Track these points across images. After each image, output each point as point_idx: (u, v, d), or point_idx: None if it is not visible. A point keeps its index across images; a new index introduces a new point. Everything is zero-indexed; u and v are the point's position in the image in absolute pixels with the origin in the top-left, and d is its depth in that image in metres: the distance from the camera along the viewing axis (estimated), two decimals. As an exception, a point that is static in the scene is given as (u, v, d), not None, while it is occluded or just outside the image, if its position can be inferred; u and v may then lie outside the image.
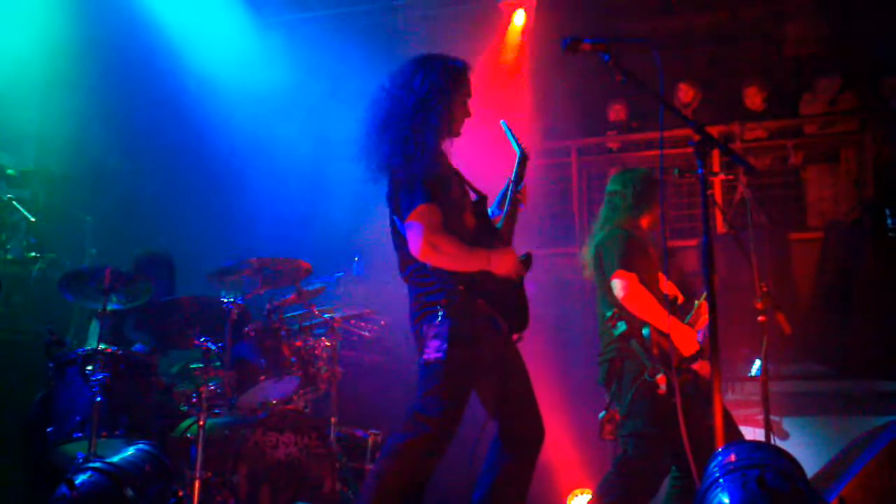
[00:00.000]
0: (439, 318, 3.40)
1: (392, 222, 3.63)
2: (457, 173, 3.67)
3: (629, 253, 4.45)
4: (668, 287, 4.61)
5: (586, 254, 4.70)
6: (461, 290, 3.42)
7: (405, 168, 3.44)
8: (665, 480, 4.56)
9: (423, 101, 3.50)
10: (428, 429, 3.37)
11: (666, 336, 4.32)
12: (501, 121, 3.91)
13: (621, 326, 4.37)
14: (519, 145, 3.87)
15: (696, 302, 4.61)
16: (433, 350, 3.39)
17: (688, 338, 4.43)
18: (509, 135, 3.89)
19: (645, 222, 4.65)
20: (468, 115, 3.66)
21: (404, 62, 3.65)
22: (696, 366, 5.15)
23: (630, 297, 4.35)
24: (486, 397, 3.61)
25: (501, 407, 3.58)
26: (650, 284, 4.45)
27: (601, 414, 4.49)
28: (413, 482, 3.40)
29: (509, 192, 3.80)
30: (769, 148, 8.36)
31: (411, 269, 3.56)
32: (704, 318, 4.61)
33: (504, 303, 3.54)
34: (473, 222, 3.63)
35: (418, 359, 3.51)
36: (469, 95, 3.65)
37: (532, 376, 3.70)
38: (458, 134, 3.66)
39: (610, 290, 4.44)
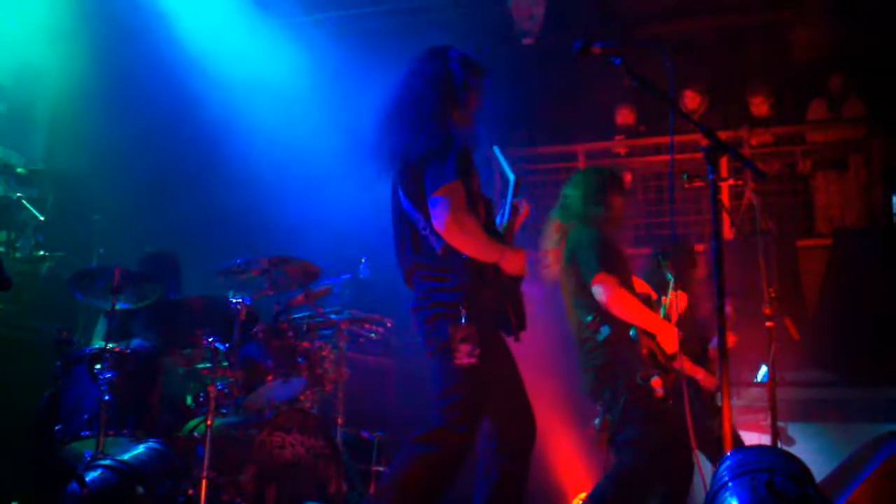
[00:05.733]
0: (464, 319, 3.30)
1: (401, 208, 3.52)
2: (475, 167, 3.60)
3: (605, 253, 4.30)
4: (639, 286, 4.54)
5: (554, 255, 4.55)
6: (478, 286, 3.36)
7: (432, 144, 3.37)
8: None
9: (445, 89, 3.49)
10: (461, 431, 3.30)
11: (652, 336, 4.24)
12: (494, 147, 3.85)
13: (605, 331, 4.25)
14: (511, 170, 3.80)
15: (665, 298, 4.57)
16: (465, 354, 3.29)
17: (671, 336, 4.28)
18: (501, 160, 3.83)
19: (608, 223, 4.48)
20: (480, 110, 3.63)
21: (423, 51, 3.63)
22: (699, 375, 5.14)
23: (615, 300, 4.20)
24: (493, 397, 3.52)
25: (504, 406, 3.52)
26: (626, 285, 4.34)
27: (596, 420, 4.34)
28: (437, 490, 3.32)
29: (506, 211, 3.73)
30: (777, 154, 8.37)
31: (424, 260, 3.44)
32: (675, 314, 4.58)
33: (513, 300, 3.49)
34: (484, 219, 3.57)
35: (439, 360, 3.38)
36: (482, 91, 3.62)
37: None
38: (472, 128, 3.60)
39: (586, 293, 4.30)
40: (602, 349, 4.27)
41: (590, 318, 4.28)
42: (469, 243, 3.36)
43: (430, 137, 3.38)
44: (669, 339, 4.28)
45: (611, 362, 4.26)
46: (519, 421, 3.53)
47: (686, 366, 4.81)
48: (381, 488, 3.37)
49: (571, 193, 4.59)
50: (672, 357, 4.30)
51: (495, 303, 3.42)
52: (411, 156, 3.42)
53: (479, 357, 3.29)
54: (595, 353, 4.32)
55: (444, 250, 3.39)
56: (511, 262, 3.45)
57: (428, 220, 3.39)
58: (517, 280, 3.52)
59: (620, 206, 4.54)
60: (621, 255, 4.47)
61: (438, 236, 3.38)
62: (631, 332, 4.21)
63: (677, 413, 4.22)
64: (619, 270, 4.32)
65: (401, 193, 3.50)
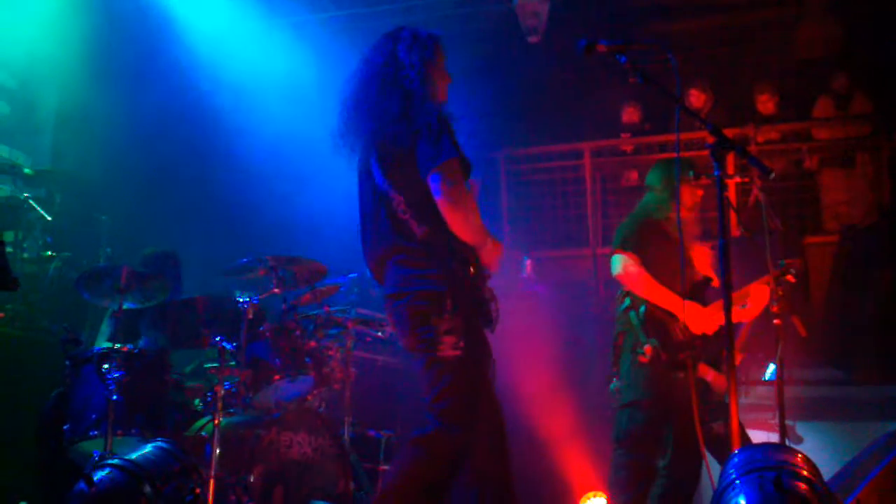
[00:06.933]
0: (449, 310, 3.22)
1: (376, 192, 3.42)
2: None
3: (636, 235, 4.59)
4: (704, 268, 4.67)
5: None
6: (461, 273, 3.28)
7: (418, 123, 3.29)
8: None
9: (411, 69, 3.40)
10: (457, 429, 3.20)
11: (671, 314, 4.44)
12: None
13: (626, 302, 4.58)
14: None
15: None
16: (449, 346, 3.20)
17: (700, 316, 4.52)
18: None
19: (676, 211, 4.60)
20: (449, 80, 3.55)
21: (378, 37, 3.57)
22: (708, 377, 5.17)
23: (625, 274, 4.52)
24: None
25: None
26: (664, 266, 4.50)
27: (612, 385, 4.67)
28: (441, 488, 3.21)
29: None
30: (783, 151, 8.35)
31: (404, 244, 3.34)
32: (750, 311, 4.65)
33: (489, 290, 3.42)
34: None
35: (422, 354, 3.29)
36: (444, 60, 3.53)
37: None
38: (444, 100, 3.53)
39: None
40: (622, 319, 4.63)
41: (620, 292, 4.65)
42: (466, 221, 3.29)
43: (410, 117, 3.32)
44: (697, 319, 4.51)
45: (624, 331, 4.62)
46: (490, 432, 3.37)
47: (699, 366, 4.85)
48: (381, 497, 3.27)
49: (651, 183, 4.87)
50: (693, 336, 4.50)
51: (479, 292, 3.34)
52: (396, 137, 3.33)
53: (465, 349, 3.21)
54: (618, 323, 4.69)
55: (425, 234, 3.31)
56: (491, 252, 3.41)
57: (409, 202, 3.32)
58: (488, 272, 3.45)
59: (693, 196, 4.77)
60: (669, 239, 4.58)
61: (420, 220, 3.31)
62: (641, 308, 4.49)
63: (684, 385, 4.40)
64: (655, 252, 4.52)
65: (378, 176, 3.40)
